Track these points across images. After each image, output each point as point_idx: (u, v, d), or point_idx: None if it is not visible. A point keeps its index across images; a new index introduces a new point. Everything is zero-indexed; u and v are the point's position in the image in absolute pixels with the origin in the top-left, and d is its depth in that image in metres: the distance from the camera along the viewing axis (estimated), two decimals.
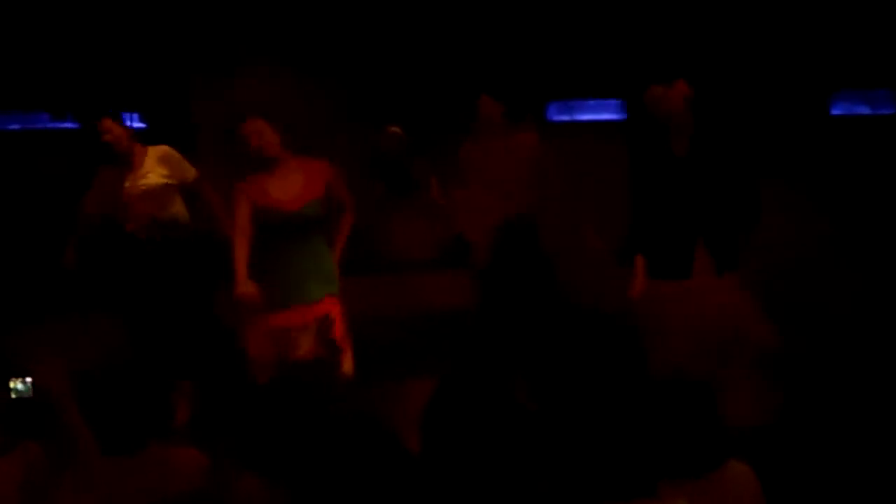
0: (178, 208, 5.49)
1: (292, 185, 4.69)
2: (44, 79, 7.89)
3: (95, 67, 7.83)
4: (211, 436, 3.67)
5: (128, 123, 5.60)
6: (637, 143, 4.67)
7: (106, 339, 5.76)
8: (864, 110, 7.10)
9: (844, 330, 5.71)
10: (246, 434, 2.58)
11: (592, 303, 6.14)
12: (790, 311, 5.94)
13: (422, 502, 2.16)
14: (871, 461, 4.13)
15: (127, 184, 5.38)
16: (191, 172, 5.49)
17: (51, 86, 7.98)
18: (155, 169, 5.43)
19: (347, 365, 4.74)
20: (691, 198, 4.24)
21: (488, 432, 2.26)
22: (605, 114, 7.98)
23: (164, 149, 5.50)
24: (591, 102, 8.00)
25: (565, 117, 8.09)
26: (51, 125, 8.41)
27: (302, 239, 4.69)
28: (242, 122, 4.69)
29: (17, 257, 7.12)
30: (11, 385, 2.60)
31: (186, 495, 2.38)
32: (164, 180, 5.41)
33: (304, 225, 4.66)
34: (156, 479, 2.55)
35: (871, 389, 4.96)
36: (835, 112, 7.09)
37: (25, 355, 2.87)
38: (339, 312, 4.75)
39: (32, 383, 2.60)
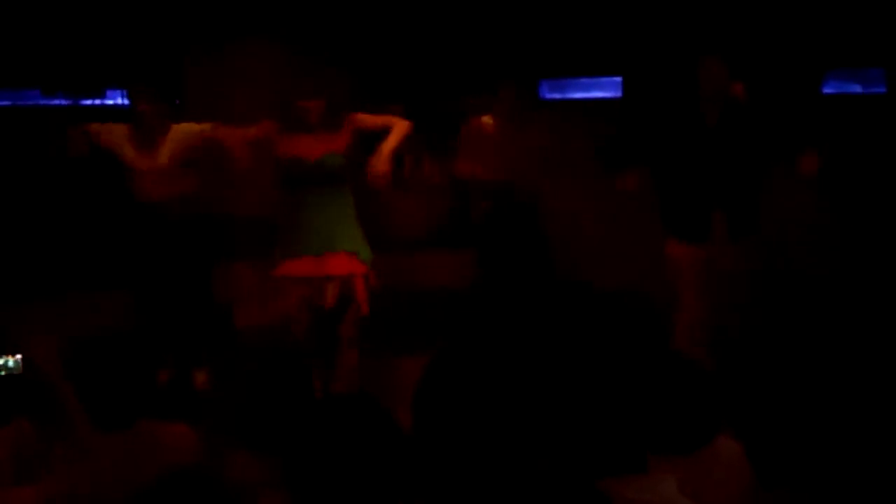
0: (184, 187, 5.50)
1: (316, 140, 4.82)
2: (34, 55, 7.85)
3: (86, 43, 7.79)
4: (203, 411, 3.68)
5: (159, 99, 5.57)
6: (667, 112, 4.72)
7: (99, 315, 5.77)
8: (857, 89, 7.09)
9: (838, 307, 5.74)
10: (238, 409, 2.59)
11: (588, 281, 6.17)
12: (782, 288, 5.96)
13: (414, 479, 2.16)
14: (860, 439, 4.15)
15: (138, 156, 5.44)
16: (204, 127, 5.49)
17: (42, 62, 7.94)
18: (171, 149, 5.46)
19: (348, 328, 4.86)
20: (716, 166, 4.38)
21: (481, 409, 2.27)
22: (598, 92, 7.97)
23: (185, 128, 5.53)
24: (585, 80, 7.99)
25: (558, 95, 8.08)
26: (42, 101, 8.38)
27: (324, 192, 4.83)
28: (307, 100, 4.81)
29: (9, 234, 7.11)
30: (1, 361, 2.60)
31: (178, 471, 2.38)
32: (175, 160, 5.45)
33: (324, 177, 4.81)
34: (147, 454, 2.55)
35: (863, 368, 4.98)
36: (827, 91, 7.09)
37: (17, 331, 2.87)
38: (361, 274, 4.87)
39: (23, 359, 2.60)
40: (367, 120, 4.98)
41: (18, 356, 2.64)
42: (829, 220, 6.20)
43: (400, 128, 4.97)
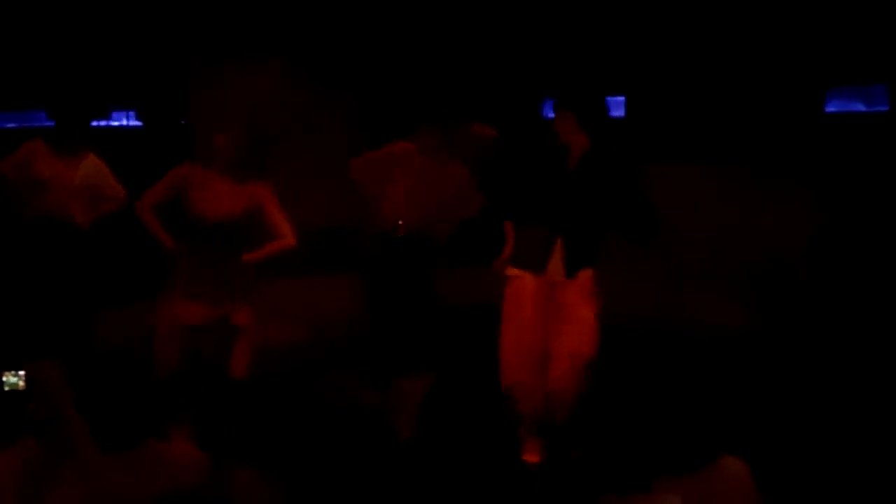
0: (81, 209, 5.54)
1: (222, 195, 4.79)
2: (40, 77, 7.90)
3: (92, 65, 7.84)
4: (208, 431, 3.68)
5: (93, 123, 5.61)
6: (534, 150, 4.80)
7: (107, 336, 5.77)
8: (859, 107, 7.10)
9: (839, 325, 5.74)
10: (242, 429, 2.60)
11: None
12: (785, 306, 5.96)
13: (417, 495, 2.17)
14: (864, 455, 4.15)
15: (53, 173, 5.48)
16: (117, 192, 5.56)
17: (48, 84, 7.99)
18: (84, 172, 5.52)
19: (239, 370, 4.76)
20: (566, 203, 4.47)
21: (483, 426, 2.27)
22: None
23: (98, 162, 5.58)
24: None
25: None
26: (47, 123, 8.41)
27: (220, 246, 4.76)
28: (222, 132, 4.78)
29: (13, 253, 7.12)
30: (4, 378, 2.59)
31: (183, 490, 2.39)
32: (86, 184, 5.51)
33: (221, 235, 4.75)
34: (152, 474, 2.55)
35: (865, 385, 4.98)
36: (829, 109, 7.09)
37: (21, 350, 2.87)
38: (248, 321, 4.78)
39: (26, 377, 2.60)
40: (272, 211, 4.88)
41: (21, 373, 2.63)
42: (833, 236, 6.21)
43: (286, 243, 4.90)
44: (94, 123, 8.08)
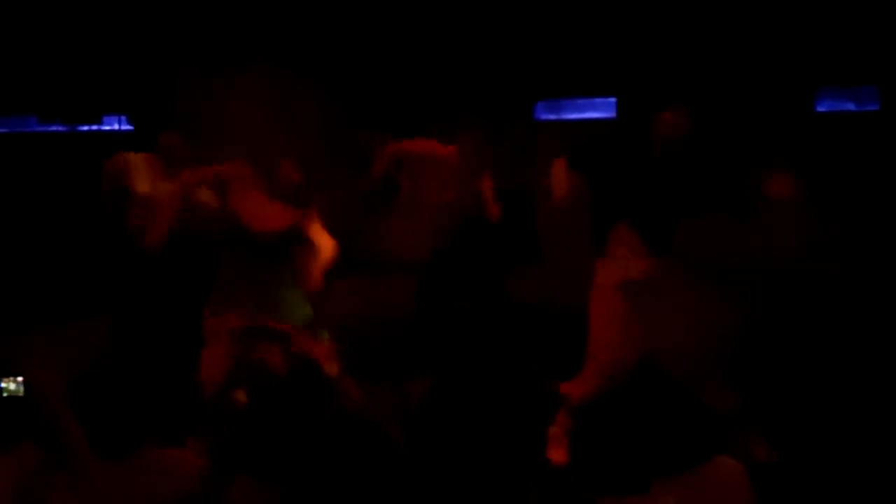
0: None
1: (278, 209, 4.83)
2: (31, 83, 7.89)
3: (83, 71, 7.83)
4: (205, 438, 3.68)
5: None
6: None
7: (102, 343, 5.75)
8: (850, 107, 7.14)
9: (832, 327, 5.75)
10: (239, 435, 2.59)
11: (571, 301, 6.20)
12: (776, 308, 5.98)
13: (413, 500, 2.17)
14: (861, 456, 4.16)
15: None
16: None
17: (38, 90, 7.98)
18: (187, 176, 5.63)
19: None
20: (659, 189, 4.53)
21: (480, 431, 2.27)
22: (593, 112, 8.00)
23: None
24: (580, 101, 8.02)
25: (553, 116, 8.11)
26: (39, 128, 8.41)
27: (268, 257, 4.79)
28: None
29: (8, 259, 7.12)
30: (3, 384, 2.59)
31: (181, 498, 2.39)
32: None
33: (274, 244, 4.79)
34: (150, 481, 2.55)
35: (861, 384, 5.00)
36: (820, 109, 7.13)
37: (19, 356, 2.87)
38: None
39: (24, 383, 2.60)
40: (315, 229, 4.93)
41: (20, 379, 2.63)
42: (823, 237, 6.22)
43: (328, 249, 4.91)
44: (85, 128, 8.12)
